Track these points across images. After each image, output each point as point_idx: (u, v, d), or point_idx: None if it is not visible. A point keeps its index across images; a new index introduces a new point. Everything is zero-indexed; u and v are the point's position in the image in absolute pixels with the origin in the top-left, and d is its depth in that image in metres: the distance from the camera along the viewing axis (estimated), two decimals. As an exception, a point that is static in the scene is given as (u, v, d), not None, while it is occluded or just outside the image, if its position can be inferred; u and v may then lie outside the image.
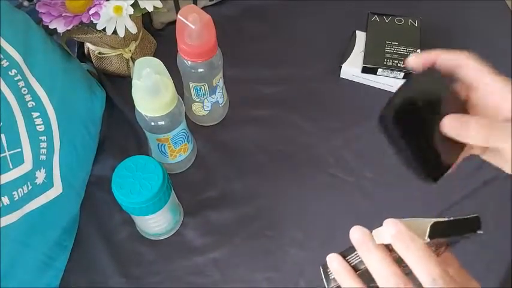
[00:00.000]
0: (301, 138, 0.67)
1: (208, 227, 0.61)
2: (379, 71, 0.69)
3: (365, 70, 0.69)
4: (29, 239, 0.53)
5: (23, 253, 0.52)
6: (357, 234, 0.34)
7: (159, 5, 0.61)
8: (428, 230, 0.32)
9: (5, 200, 0.50)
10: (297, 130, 0.68)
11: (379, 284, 0.33)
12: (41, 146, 0.54)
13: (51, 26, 0.58)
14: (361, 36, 0.72)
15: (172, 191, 0.55)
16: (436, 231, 0.32)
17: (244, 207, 0.62)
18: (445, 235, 0.33)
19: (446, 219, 0.34)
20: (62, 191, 0.56)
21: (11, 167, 0.51)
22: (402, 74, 0.68)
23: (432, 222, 0.32)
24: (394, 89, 0.70)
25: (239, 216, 0.61)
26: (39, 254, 0.54)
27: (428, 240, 0.32)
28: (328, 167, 0.65)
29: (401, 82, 0.68)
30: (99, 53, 0.68)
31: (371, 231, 0.34)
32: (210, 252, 0.59)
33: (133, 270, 0.58)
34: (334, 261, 0.36)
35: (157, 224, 0.56)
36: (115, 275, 0.58)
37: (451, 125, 0.35)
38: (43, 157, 0.54)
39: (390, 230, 0.32)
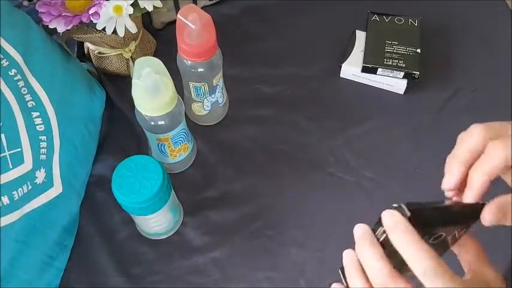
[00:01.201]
0: (301, 138, 0.67)
1: (208, 227, 0.61)
2: (379, 70, 0.69)
3: (365, 70, 0.69)
4: (29, 239, 0.53)
5: (23, 253, 0.52)
6: (357, 232, 0.35)
7: (159, 4, 0.61)
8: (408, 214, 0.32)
9: (5, 200, 0.50)
10: (297, 130, 0.68)
11: (371, 280, 0.33)
12: (41, 146, 0.54)
13: (51, 26, 0.58)
14: (361, 36, 0.72)
15: (172, 190, 0.55)
16: (419, 217, 0.32)
17: (244, 206, 0.62)
18: (431, 224, 0.33)
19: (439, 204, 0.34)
20: (61, 190, 0.56)
21: (11, 166, 0.51)
22: (402, 73, 0.68)
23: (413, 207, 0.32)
24: (394, 89, 0.71)
25: (239, 216, 0.61)
26: (39, 253, 0.54)
27: None
28: (328, 167, 0.65)
29: (400, 82, 0.69)
30: (99, 53, 0.68)
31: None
32: (210, 252, 0.59)
33: (134, 270, 0.58)
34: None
35: (157, 223, 0.56)
36: (115, 275, 0.57)
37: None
38: (43, 157, 0.54)
39: (386, 222, 0.32)
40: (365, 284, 0.34)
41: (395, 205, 0.33)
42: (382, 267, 0.32)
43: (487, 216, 0.33)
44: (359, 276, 0.34)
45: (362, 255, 0.34)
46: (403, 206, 0.32)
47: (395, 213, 0.32)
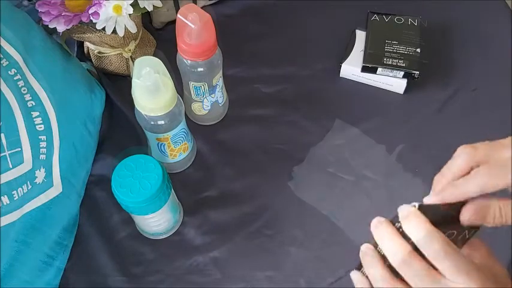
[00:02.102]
0: (301, 138, 0.67)
1: (208, 226, 0.61)
2: (379, 70, 0.69)
3: (365, 69, 0.69)
4: (29, 238, 0.53)
5: (23, 252, 0.52)
6: (373, 221, 0.36)
7: (159, 4, 0.61)
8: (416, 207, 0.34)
9: (5, 200, 0.50)
10: (296, 129, 0.68)
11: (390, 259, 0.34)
12: (41, 146, 0.54)
13: (51, 25, 0.58)
14: (361, 36, 0.72)
15: (172, 190, 0.55)
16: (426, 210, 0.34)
17: (244, 206, 0.62)
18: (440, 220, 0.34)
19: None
20: (61, 190, 0.56)
21: (11, 166, 0.51)
22: (402, 73, 0.68)
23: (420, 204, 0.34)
24: (393, 89, 0.71)
25: (239, 215, 0.61)
26: (39, 253, 0.54)
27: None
28: (328, 166, 0.65)
29: (400, 82, 0.69)
30: (99, 53, 0.68)
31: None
32: (210, 251, 0.59)
33: (134, 269, 0.58)
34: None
35: (157, 223, 0.56)
36: (115, 274, 0.57)
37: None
38: (43, 156, 0.54)
39: (401, 213, 0.34)
40: (381, 268, 0.34)
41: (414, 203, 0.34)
42: (402, 244, 0.33)
43: (465, 215, 0.35)
44: (376, 262, 0.35)
45: (379, 236, 0.35)
46: (416, 204, 0.34)
47: (410, 207, 0.34)
